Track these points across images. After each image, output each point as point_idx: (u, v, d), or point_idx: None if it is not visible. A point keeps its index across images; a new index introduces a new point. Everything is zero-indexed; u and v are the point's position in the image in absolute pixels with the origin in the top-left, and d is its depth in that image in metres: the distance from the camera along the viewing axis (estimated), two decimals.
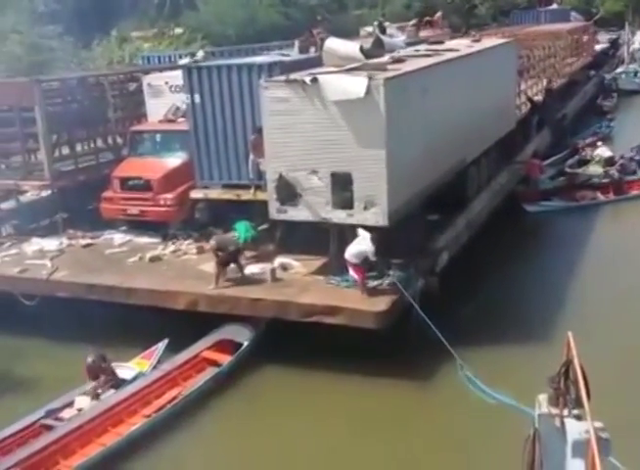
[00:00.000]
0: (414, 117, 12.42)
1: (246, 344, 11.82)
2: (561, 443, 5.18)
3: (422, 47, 17.55)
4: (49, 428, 10.17)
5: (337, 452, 9.72)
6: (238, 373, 11.58)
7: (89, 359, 11.02)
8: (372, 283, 11.74)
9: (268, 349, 11.59)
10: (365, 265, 11.54)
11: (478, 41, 19.09)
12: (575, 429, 5.08)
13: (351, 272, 11.65)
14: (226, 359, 11.70)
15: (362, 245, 11.45)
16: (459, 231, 14.61)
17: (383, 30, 22.61)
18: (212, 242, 12.74)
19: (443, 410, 10.63)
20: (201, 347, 11.99)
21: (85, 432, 10.07)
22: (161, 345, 11.93)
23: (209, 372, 11.53)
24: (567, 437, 5.14)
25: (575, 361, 5.11)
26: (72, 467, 9.36)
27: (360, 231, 11.64)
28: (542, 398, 5.52)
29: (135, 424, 10.28)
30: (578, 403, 5.16)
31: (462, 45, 17.78)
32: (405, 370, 10.98)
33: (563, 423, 5.25)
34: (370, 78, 11.31)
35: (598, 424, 4.96)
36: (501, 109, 18.14)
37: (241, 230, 12.92)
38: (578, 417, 5.16)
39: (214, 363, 11.75)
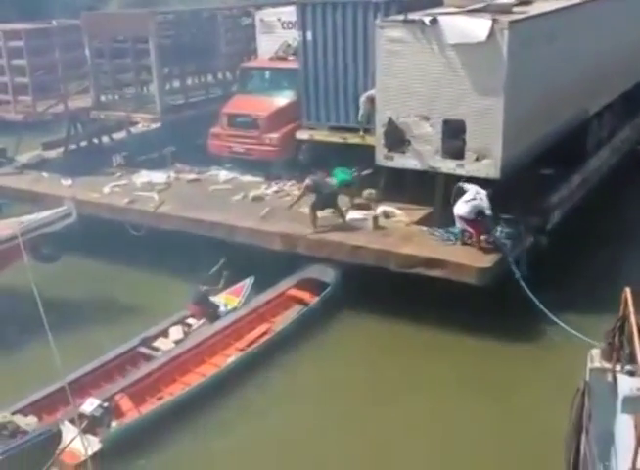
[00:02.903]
0: (537, 65, 11.66)
1: (331, 284, 11.84)
2: (611, 397, 5.11)
3: None
4: (144, 356, 10.59)
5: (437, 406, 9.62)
6: (323, 312, 11.64)
7: (195, 292, 11.31)
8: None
9: (352, 289, 11.54)
10: (479, 220, 11.05)
11: None
12: (627, 385, 5.00)
13: (459, 226, 11.21)
14: (311, 298, 11.83)
15: (477, 200, 10.97)
16: (574, 188, 13.79)
17: None
18: (307, 182, 12.46)
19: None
20: (286, 285, 12.16)
21: (184, 362, 10.42)
22: (248, 281, 12.14)
23: (296, 310, 11.72)
24: (617, 392, 5.05)
25: (632, 317, 4.96)
26: (175, 395, 9.71)
27: (469, 186, 11.14)
28: (595, 352, 5.56)
29: (230, 356, 10.57)
30: (632, 359, 5.05)
31: None
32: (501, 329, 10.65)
33: (615, 378, 5.19)
34: (493, 21, 10.66)
35: None
36: (630, 59, 16.83)
37: (337, 175, 12.67)
38: (631, 373, 5.09)
39: (300, 301, 11.92)
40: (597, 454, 5.06)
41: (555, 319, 10.28)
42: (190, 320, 11.34)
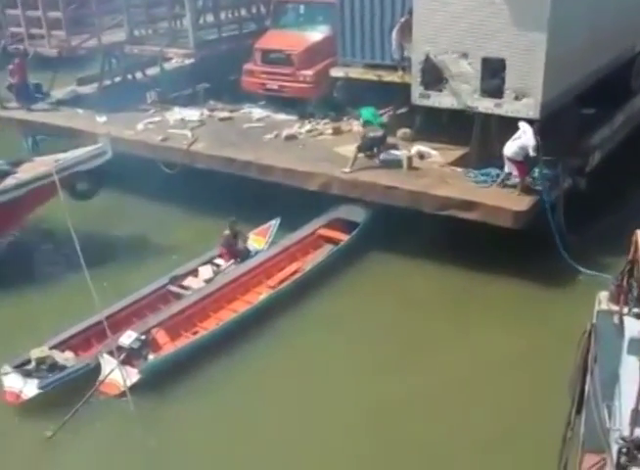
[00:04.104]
0: None
1: (361, 223, 11.83)
2: (617, 340, 5.14)
3: None
4: (174, 294, 10.77)
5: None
6: (354, 251, 11.67)
7: (226, 231, 11.38)
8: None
9: (383, 229, 11.55)
10: (527, 161, 10.79)
11: None
12: (634, 327, 5.01)
13: (506, 169, 10.96)
14: (342, 237, 11.85)
15: (523, 139, 10.67)
16: (616, 129, 13.37)
17: None
18: (371, 134, 12.16)
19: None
20: (316, 225, 12.20)
21: (217, 298, 10.62)
22: (275, 222, 12.17)
23: (327, 249, 11.79)
24: (624, 334, 5.07)
25: None
26: (208, 329, 9.93)
27: (521, 124, 10.82)
28: (603, 295, 5.53)
29: (261, 294, 10.74)
30: (639, 302, 5.09)
31: None
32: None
33: (622, 320, 5.20)
34: None
35: None
36: None
37: (367, 116, 12.41)
38: (638, 316, 5.10)
39: (330, 241, 11.96)
40: (601, 394, 5.15)
41: (587, 270, 10.16)
42: (218, 260, 11.47)
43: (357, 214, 12.00)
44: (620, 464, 4.45)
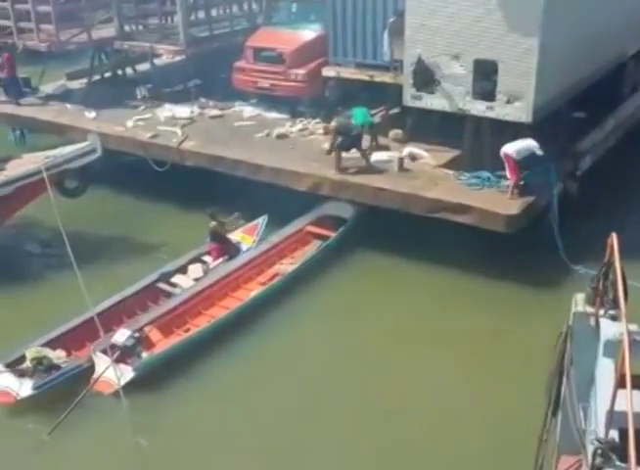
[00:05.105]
0: (575, 3, 11.16)
1: (349, 219, 11.88)
2: (593, 342, 5.20)
3: None
4: (163, 291, 10.75)
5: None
6: (342, 247, 11.74)
7: (212, 223, 11.33)
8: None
9: (370, 225, 11.60)
10: (524, 163, 10.79)
11: None
12: (610, 329, 5.07)
13: (508, 175, 10.96)
14: (330, 234, 11.90)
15: (528, 141, 10.70)
16: (607, 133, 13.39)
17: None
18: (334, 123, 12.26)
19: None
20: (305, 221, 12.23)
21: (208, 296, 10.62)
22: (262, 220, 12.19)
23: (316, 245, 11.84)
24: (600, 336, 5.13)
25: (616, 263, 4.98)
26: (200, 326, 9.93)
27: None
28: (579, 297, 5.59)
29: (252, 290, 10.73)
30: (615, 304, 5.12)
31: None
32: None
33: (597, 323, 5.26)
34: None
35: (632, 327, 4.93)
36: None
37: (358, 116, 12.39)
38: (613, 318, 5.16)
39: (319, 237, 12.01)
40: (577, 396, 5.21)
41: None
42: (206, 257, 11.46)
43: (345, 211, 12.04)
44: (595, 465, 4.48)
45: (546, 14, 10.34)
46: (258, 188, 12.32)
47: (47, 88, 16.89)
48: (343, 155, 12.04)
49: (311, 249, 11.81)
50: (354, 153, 12.12)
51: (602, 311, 5.27)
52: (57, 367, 9.00)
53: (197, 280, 10.92)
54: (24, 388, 8.71)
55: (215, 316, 10.17)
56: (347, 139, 11.99)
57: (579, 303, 5.56)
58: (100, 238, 12.39)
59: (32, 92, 16.54)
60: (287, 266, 11.33)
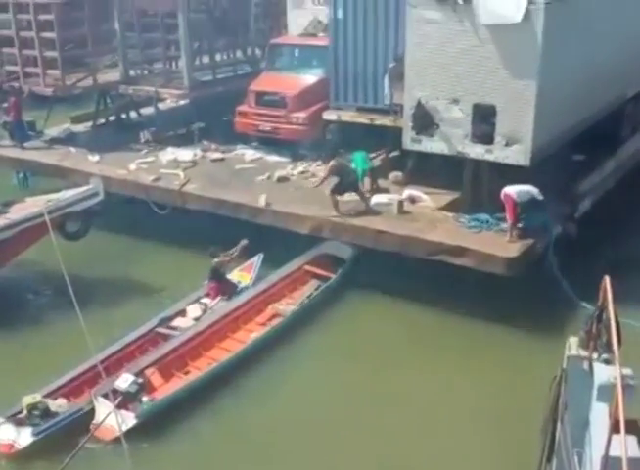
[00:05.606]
0: (573, 46, 11.30)
1: (348, 260, 11.90)
2: (587, 385, 5.18)
3: None
4: (164, 336, 10.66)
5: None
6: (341, 287, 11.78)
7: (214, 260, 11.35)
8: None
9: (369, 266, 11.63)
10: (522, 207, 10.83)
11: None
12: (603, 373, 5.07)
13: (508, 217, 10.96)
14: (328, 273, 11.92)
15: (528, 186, 10.77)
16: (606, 175, 13.44)
17: None
18: (332, 163, 12.26)
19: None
20: (303, 260, 12.25)
21: (208, 337, 10.59)
22: (257, 259, 12.21)
23: (314, 285, 11.85)
24: (593, 380, 5.12)
25: (610, 306, 4.99)
26: (201, 369, 9.88)
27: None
28: (573, 340, 5.62)
29: (252, 331, 10.74)
30: (608, 348, 5.13)
31: None
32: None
33: (591, 366, 5.25)
34: (529, 1, 10.29)
35: (626, 371, 4.91)
36: None
37: (358, 161, 12.46)
38: (607, 362, 5.15)
39: (317, 277, 12.01)
40: (571, 441, 5.17)
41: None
42: (205, 299, 11.42)
43: (343, 251, 12.07)
44: None
45: (544, 58, 10.47)
46: (259, 228, 12.37)
47: (52, 132, 17.08)
48: (344, 197, 12.09)
49: (309, 288, 11.81)
50: (354, 195, 12.15)
51: (595, 355, 5.26)
52: (54, 414, 8.85)
53: (196, 320, 10.90)
54: (24, 436, 8.59)
55: (215, 358, 10.10)
56: (342, 183, 12.03)
57: (573, 346, 5.57)
58: (103, 282, 12.37)
59: (37, 136, 16.74)
60: (286, 307, 11.29)
